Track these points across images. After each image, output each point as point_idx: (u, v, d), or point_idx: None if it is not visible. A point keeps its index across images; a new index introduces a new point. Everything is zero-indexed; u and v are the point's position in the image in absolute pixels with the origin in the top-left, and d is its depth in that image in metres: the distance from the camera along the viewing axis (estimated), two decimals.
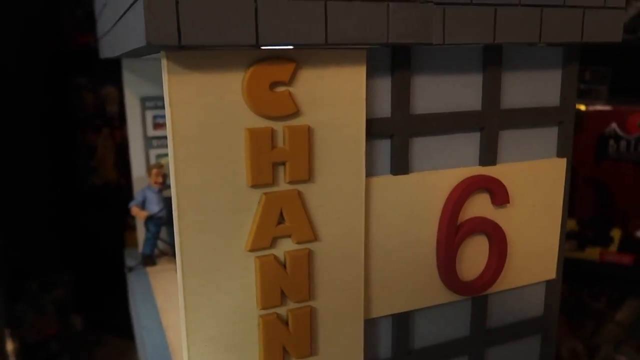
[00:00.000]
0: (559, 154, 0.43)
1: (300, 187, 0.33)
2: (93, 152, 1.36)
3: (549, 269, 0.44)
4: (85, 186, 1.36)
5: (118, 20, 0.37)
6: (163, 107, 0.71)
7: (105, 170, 1.37)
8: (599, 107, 0.97)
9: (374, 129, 0.35)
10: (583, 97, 0.99)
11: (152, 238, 0.68)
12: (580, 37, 0.37)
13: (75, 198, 1.35)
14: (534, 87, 0.41)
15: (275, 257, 0.33)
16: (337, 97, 0.33)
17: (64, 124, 1.33)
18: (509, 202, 0.40)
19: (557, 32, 0.37)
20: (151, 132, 0.72)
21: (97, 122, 1.35)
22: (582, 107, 0.97)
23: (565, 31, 0.37)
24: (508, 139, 0.40)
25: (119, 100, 1.31)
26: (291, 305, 0.34)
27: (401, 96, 0.36)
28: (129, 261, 0.71)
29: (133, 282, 0.66)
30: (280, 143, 0.32)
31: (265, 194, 0.32)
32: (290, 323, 0.34)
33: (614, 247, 0.95)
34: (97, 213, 1.34)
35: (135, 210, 0.67)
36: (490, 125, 0.39)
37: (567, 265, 0.46)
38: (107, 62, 0.70)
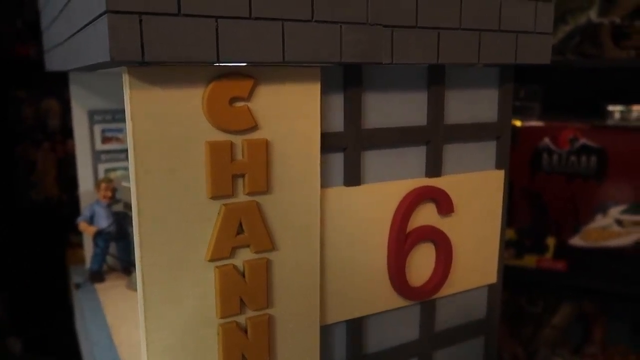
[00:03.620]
0: (498, 166, 0.46)
1: (258, 198, 0.34)
2: (33, 167, 1.31)
3: (490, 274, 0.47)
4: (24, 202, 1.31)
5: (75, 34, 0.37)
6: (112, 121, 0.71)
7: (46, 186, 1.32)
8: (533, 123, 1.03)
9: (328, 142, 0.37)
10: (518, 113, 1.06)
11: (101, 254, 0.67)
12: (514, 58, 0.41)
13: (13, 214, 1.29)
14: (474, 104, 0.44)
15: (235, 267, 0.34)
16: (293, 112, 0.34)
17: (2, 138, 1.28)
18: (453, 211, 0.43)
19: (493, 54, 0.40)
20: (99, 146, 0.71)
21: (37, 136, 1.31)
22: (518, 123, 1.03)
23: (500, 53, 0.40)
24: (451, 152, 0.43)
25: (62, 113, 1.28)
26: (250, 313, 0.35)
27: (353, 112, 0.38)
28: (76, 278, 0.69)
29: (81, 299, 0.64)
30: (239, 156, 0.33)
31: (225, 205, 0.33)
32: (249, 331, 0.35)
33: (549, 255, 1.01)
34: (37, 230, 1.29)
35: (83, 225, 0.65)
36: (435, 139, 0.42)
37: (506, 273, 0.50)
38: (48, 74, 0.68)
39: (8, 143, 1.28)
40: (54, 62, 0.55)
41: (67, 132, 0.69)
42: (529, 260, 1.02)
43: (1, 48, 1.24)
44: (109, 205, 0.66)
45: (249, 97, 0.32)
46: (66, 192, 1.30)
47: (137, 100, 0.29)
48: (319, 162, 0.36)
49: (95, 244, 0.66)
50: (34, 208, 1.30)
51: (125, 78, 0.29)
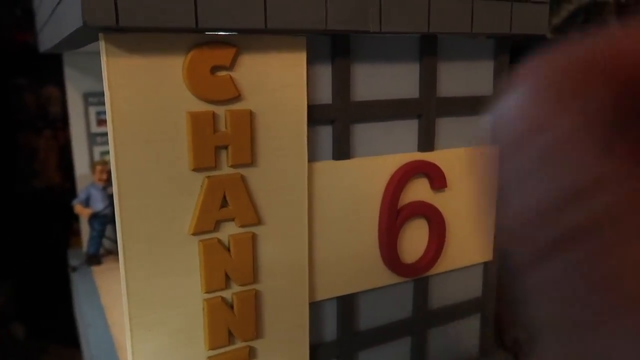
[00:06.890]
0: None
1: (243, 170, 0.33)
2: (35, 155, 1.31)
3: (485, 251, 0.46)
4: (27, 190, 1.31)
5: (56, 6, 0.37)
6: None
7: (48, 173, 1.32)
8: None
9: (316, 114, 0.36)
10: None
11: (97, 237, 0.67)
12: (509, 28, 0.40)
13: (15, 202, 1.29)
14: (468, 77, 0.43)
15: (219, 241, 0.33)
16: (278, 83, 0.33)
17: (3, 126, 1.28)
18: (446, 187, 0.42)
19: (487, 24, 0.39)
20: (95, 129, 0.70)
21: (38, 123, 1.31)
22: None
23: (495, 23, 0.39)
24: (445, 126, 0.42)
25: (62, 100, 1.27)
26: (236, 288, 0.34)
27: (341, 83, 0.37)
28: (73, 261, 0.69)
29: (77, 282, 0.64)
30: (222, 127, 0.32)
31: (208, 177, 0.32)
32: (235, 306, 0.34)
33: None
34: (40, 218, 1.29)
35: (78, 208, 0.65)
36: (427, 112, 0.41)
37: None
38: (48, 61, 0.68)
39: (9, 131, 1.28)
40: (44, 41, 0.54)
41: (68, 119, 0.69)
42: None
43: (1, 36, 1.23)
44: (104, 188, 0.66)
45: (231, 66, 0.32)
46: (68, 180, 1.29)
47: (115, 68, 0.29)
48: (305, 134, 0.35)
49: (92, 227, 0.66)
50: (37, 196, 1.30)
51: (102, 45, 0.28)
